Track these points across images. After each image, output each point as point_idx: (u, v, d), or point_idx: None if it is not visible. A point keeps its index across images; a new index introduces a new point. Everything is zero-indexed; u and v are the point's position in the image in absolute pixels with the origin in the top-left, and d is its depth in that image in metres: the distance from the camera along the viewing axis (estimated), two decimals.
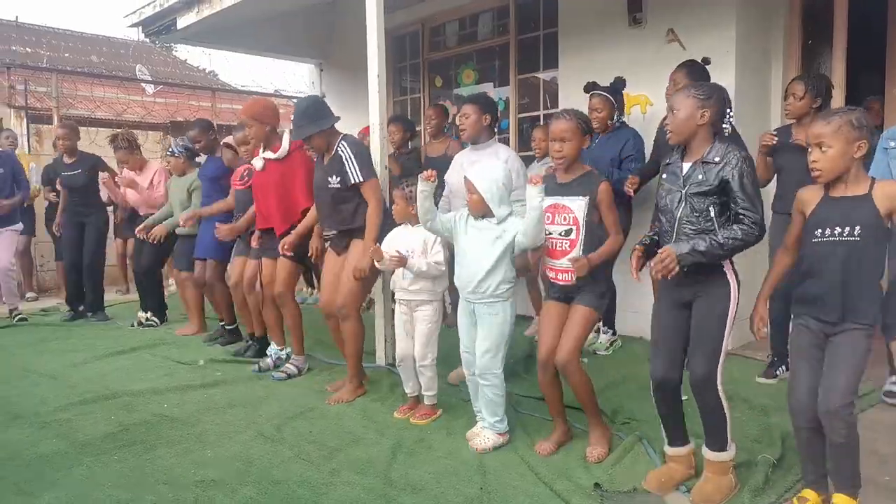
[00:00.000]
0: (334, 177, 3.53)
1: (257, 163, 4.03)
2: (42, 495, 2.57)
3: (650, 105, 4.61)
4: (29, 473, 2.77)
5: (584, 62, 5.04)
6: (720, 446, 2.47)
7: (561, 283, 2.86)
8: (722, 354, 2.39)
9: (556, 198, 2.85)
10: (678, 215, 2.42)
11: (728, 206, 2.35)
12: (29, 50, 12.90)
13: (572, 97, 5.19)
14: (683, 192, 2.41)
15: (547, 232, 2.85)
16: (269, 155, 3.97)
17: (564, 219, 2.83)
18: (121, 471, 2.79)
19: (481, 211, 2.93)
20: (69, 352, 4.78)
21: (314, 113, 3.58)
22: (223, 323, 5.03)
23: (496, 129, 5.39)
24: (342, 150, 3.54)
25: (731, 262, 2.43)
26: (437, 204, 3.79)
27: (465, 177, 2.98)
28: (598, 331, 4.47)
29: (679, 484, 2.57)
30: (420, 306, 3.30)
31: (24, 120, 8.04)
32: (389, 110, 6.33)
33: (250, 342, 4.62)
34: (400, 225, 3.41)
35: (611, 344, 4.44)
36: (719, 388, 2.40)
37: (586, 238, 2.79)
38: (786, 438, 2.88)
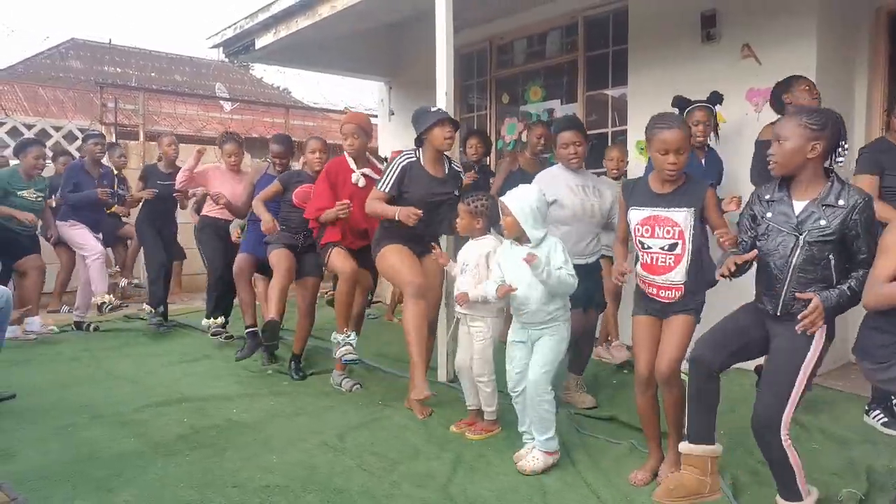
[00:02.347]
0: (455, 192, 3.74)
1: (359, 180, 3.99)
2: (120, 492, 2.70)
3: (723, 122, 4.48)
4: (108, 470, 2.90)
5: (655, 78, 4.97)
6: (792, 496, 2.27)
7: (662, 300, 2.64)
8: (790, 402, 2.20)
9: (656, 209, 2.62)
10: (793, 262, 2.19)
11: (844, 251, 2.17)
12: (119, 70, 13.75)
13: (642, 114, 5.12)
14: (801, 237, 2.17)
15: (646, 246, 2.66)
16: (371, 173, 4.04)
17: (667, 232, 2.59)
18: (192, 472, 2.89)
19: (515, 233, 2.92)
20: (148, 356, 5.01)
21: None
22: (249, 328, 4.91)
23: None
24: (457, 167, 3.87)
25: None
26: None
27: (500, 199, 2.99)
28: None
29: (691, 498, 2.44)
30: (473, 322, 3.31)
31: (114, 136, 8.55)
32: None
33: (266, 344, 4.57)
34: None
35: None
36: (782, 435, 2.19)
37: (693, 253, 2.57)
38: (871, 473, 2.72)
